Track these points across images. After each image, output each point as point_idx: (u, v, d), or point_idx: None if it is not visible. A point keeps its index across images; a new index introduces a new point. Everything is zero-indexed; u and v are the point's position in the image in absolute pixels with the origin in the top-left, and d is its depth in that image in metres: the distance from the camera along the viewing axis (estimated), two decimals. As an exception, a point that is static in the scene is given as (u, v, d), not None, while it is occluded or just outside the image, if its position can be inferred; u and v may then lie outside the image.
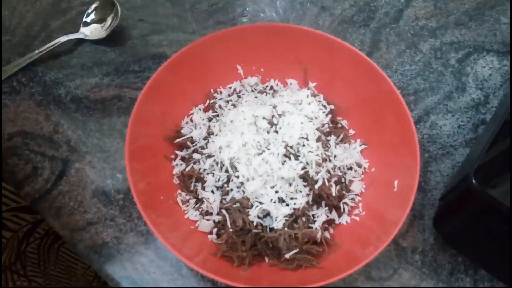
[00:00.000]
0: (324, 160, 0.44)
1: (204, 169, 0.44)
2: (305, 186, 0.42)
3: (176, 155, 0.47)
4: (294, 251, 0.40)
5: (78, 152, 0.52)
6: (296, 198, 0.40)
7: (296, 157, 0.42)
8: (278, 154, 0.41)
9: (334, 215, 0.45)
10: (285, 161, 0.41)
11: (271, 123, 0.43)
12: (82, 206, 0.49)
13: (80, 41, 0.59)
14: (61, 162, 0.52)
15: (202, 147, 0.46)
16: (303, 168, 0.41)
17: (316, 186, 0.42)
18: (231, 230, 0.42)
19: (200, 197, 0.44)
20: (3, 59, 0.57)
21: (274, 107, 0.45)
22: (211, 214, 0.42)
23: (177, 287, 0.44)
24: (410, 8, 0.63)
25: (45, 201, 0.49)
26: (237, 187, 0.41)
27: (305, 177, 0.42)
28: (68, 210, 0.49)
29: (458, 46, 0.60)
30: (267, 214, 0.42)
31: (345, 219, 0.45)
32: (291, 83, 0.52)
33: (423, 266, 0.47)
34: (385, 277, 0.46)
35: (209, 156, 0.44)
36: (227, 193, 0.42)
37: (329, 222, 0.44)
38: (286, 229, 0.41)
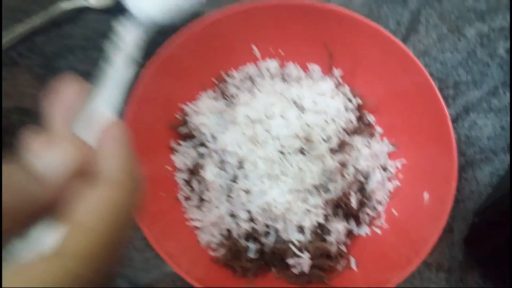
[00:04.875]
0: (345, 165, 0.39)
1: (210, 167, 0.39)
2: (319, 195, 0.37)
3: (179, 145, 0.43)
4: (304, 267, 0.36)
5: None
6: (310, 211, 0.36)
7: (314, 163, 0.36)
8: (293, 161, 0.36)
9: (352, 224, 0.40)
10: (300, 168, 0.36)
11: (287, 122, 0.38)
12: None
13: (83, 9, 0.54)
14: (58, 144, 0.48)
15: (209, 141, 0.41)
16: (321, 177, 0.36)
17: (335, 196, 0.37)
18: (235, 236, 0.38)
19: (203, 197, 0.40)
20: (1, 26, 0.53)
21: (293, 101, 0.40)
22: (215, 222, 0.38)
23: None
24: (457, -15, 0.55)
25: (40, 186, 0.46)
26: (245, 192, 0.36)
27: (322, 185, 0.37)
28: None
29: (508, 34, 0.52)
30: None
31: (364, 230, 0.40)
32: (313, 70, 0.46)
33: (448, 284, 0.42)
34: (403, 295, 0.42)
35: (216, 152, 0.39)
36: (233, 197, 0.37)
37: (347, 233, 0.39)
38: (296, 240, 0.36)
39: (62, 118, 0.20)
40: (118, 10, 0.54)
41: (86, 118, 0.21)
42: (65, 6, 0.52)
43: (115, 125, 0.21)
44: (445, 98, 0.47)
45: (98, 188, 0.18)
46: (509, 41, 0.52)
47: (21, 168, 0.17)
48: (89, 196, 0.18)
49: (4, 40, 0.51)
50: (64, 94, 0.21)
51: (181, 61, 0.43)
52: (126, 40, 0.24)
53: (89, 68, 0.51)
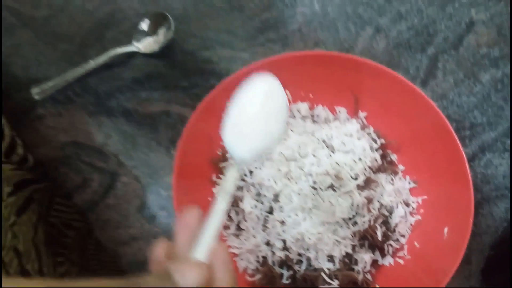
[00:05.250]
0: (371, 200, 0.43)
1: (247, 199, 0.44)
2: (348, 227, 0.41)
3: (220, 179, 0.48)
4: (334, 293, 0.40)
5: (125, 166, 0.53)
6: (340, 242, 0.40)
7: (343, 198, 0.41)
8: (325, 196, 0.40)
9: (377, 255, 0.43)
10: (331, 202, 0.40)
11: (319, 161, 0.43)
12: (127, 220, 0.51)
13: (133, 53, 0.61)
14: (109, 174, 0.53)
15: (246, 175, 0.46)
16: (349, 211, 0.40)
17: (362, 229, 0.41)
18: (270, 263, 0.42)
19: (241, 226, 0.44)
20: (60, 67, 0.59)
21: (323, 141, 0.44)
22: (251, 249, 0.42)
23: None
24: (471, 34, 0.60)
25: (93, 212, 0.51)
26: (280, 223, 0.41)
27: (350, 219, 0.41)
28: (114, 224, 0.51)
29: (522, 79, 0.57)
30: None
31: (388, 260, 0.43)
32: (340, 111, 0.51)
33: (467, 314, 0.45)
34: (425, 323, 0.45)
35: (253, 185, 0.44)
36: (268, 227, 0.42)
37: (372, 263, 0.43)
38: (326, 268, 0.40)
39: (186, 238, 0.29)
40: (162, 55, 0.60)
41: (201, 240, 0.28)
42: (117, 51, 0.59)
43: (221, 248, 0.29)
44: (462, 139, 0.51)
45: None
46: (521, 86, 0.56)
47: (170, 282, 0.26)
48: None
49: (62, 80, 0.57)
50: (188, 221, 0.29)
51: (222, 104, 0.48)
52: (228, 182, 0.31)
53: (136, 107, 0.57)
